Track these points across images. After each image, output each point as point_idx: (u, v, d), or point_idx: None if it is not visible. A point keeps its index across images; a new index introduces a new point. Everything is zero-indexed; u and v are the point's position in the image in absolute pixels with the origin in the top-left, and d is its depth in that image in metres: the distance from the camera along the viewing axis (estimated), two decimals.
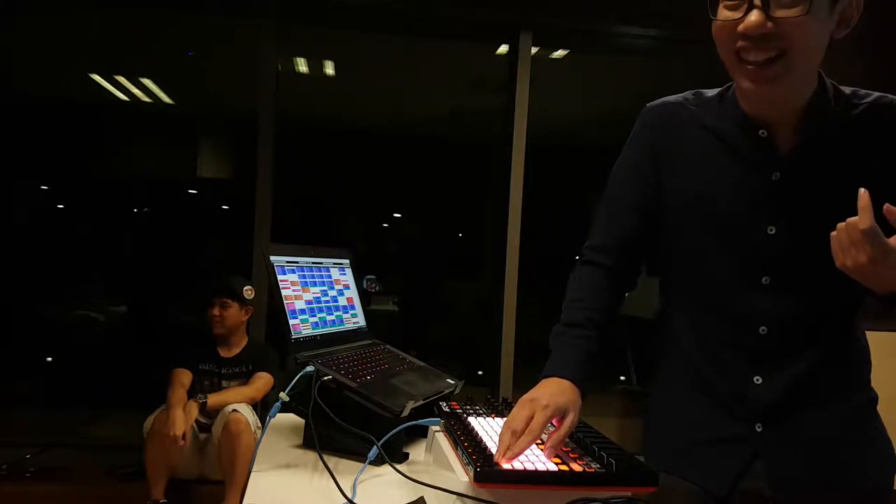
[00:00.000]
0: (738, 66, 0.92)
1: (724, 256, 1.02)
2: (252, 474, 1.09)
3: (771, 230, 0.99)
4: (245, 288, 2.84)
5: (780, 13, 0.86)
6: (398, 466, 1.04)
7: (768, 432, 1.01)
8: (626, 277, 1.14)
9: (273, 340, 3.04)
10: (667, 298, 1.14)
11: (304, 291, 1.33)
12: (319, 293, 1.38)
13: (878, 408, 1.07)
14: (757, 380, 1.02)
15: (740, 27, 0.88)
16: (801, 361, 1.01)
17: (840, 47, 0.95)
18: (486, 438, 0.98)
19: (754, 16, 0.86)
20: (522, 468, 0.87)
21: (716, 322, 1.04)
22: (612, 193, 1.14)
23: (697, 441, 1.06)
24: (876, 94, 1.00)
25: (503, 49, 3.66)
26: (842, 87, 1.00)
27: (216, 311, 2.79)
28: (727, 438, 1.04)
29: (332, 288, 1.44)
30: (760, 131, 0.99)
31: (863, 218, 0.81)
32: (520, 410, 0.94)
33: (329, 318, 1.38)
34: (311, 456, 1.15)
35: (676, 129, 1.06)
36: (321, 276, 1.41)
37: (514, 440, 0.90)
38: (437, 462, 1.04)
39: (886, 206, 0.81)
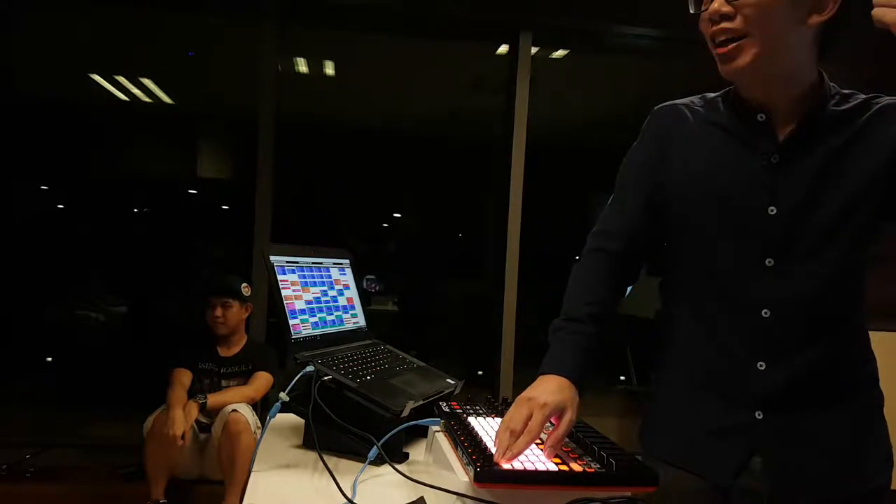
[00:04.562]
0: (713, 50, 1.00)
1: (728, 239, 1.04)
2: (252, 474, 1.09)
3: (772, 210, 1.01)
4: (243, 285, 2.85)
5: None
6: (398, 466, 1.04)
7: (768, 421, 1.02)
8: (631, 265, 1.16)
9: (273, 340, 3.04)
10: (669, 291, 1.15)
11: (304, 291, 1.33)
12: (319, 293, 1.38)
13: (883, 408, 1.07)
14: (760, 366, 1.02)
15: (707, 14, 0.98)
16: (806, 351, 1.01)
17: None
18: (486, 438, 0.98)
19: (716, 2, 0.96)
20: (522, 468, 0.87)
21: (720, 307, 1.06)
22: (621, 183, 1.18)
23: (699, 430, 1.07)
24: (871, 94, 1.04)
25: (503, 49, 3.66)
26: (840, 88, 1.05)
27: (218, 312, 2.79)
28: (728, 427, 1.04)
29: (332, 288, 1.44)
30: (759, 115, 1.03)
31: None
32: (517, 409, 0.94)
33: (329, 318, 1.38)
34: (311, 456, 1.15)
35: (683, 125, 1.11)
36: (321, 276, 1.41)
37: (513, 440, 0.90)
38: (437, 462, 1.04)
39: None
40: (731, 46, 0.96)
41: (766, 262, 1.02)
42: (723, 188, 1.04)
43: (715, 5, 0.96)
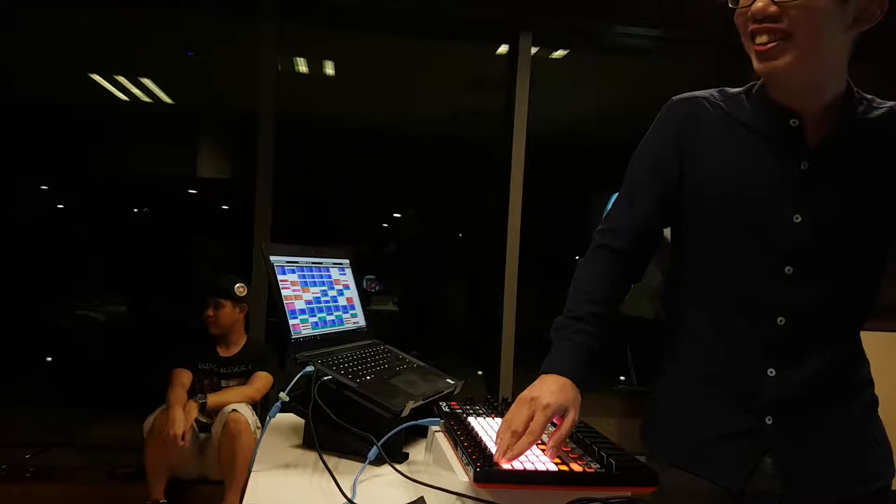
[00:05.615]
0: (750, 48, 0.97)
1: (748, 244, 1.02)
2: (252, 474, 1.09)
3: (797, 218, 0.99)
4: (236, 286, 2.84)
5: None
6: (398, 466, 1.04)
7: (779, 425, 1.01)
8: (636, 265, 1.13)
9: (273, 340, 3.04)
10: (677, 292, 1.13)
11: (304, 291, 1.33)
12: (319, 293, 1.38)
13: (880, 407, 1.08)
14: (771, 372, 1.01)
15: (749, 11, 0.94)
16: (816, 356, 1.01)
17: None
18: (486, 438, 0.98)
19: (761, 1, 0.93)
20: (522, 468, 0.87)
21: (733, 313, 1.04)
22: (631, 179, 1.13)
23: (709, 435, 1.05)
24: (892, 102, 1.03)
25: (503, 49, 3.66)
26: (865, 94, 1.03)
27: (210, 312, 2.79)
28: (738, 431, 1.03)
29: (332, 288, 1.44)
30: (792, 120, 1.00)
31: None
32: (520, 410, 0.94)
33: (329, 318, 1.38)
34: (311, 456, 1.15)
35: (702, 120, 1.07)
36: (321, 276, 1.41)
37: (515, 441, 0.90)
38: (437, 462, 1.04)
39: None
40: (771, 45, 0.93)
41: (786, 269, 1.00)
42: (747, 192, 1.01)
43: (760, 4, 0.93)
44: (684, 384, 1.10)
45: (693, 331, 1.09)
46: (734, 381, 1.04)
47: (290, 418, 1.31)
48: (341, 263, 1.51)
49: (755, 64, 0.97)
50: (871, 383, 1.08)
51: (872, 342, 1.09)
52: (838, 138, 0.99)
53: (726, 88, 1.09)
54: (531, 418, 0.92)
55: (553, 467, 0.88)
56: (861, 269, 1.01)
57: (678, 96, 1.12)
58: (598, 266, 1.11)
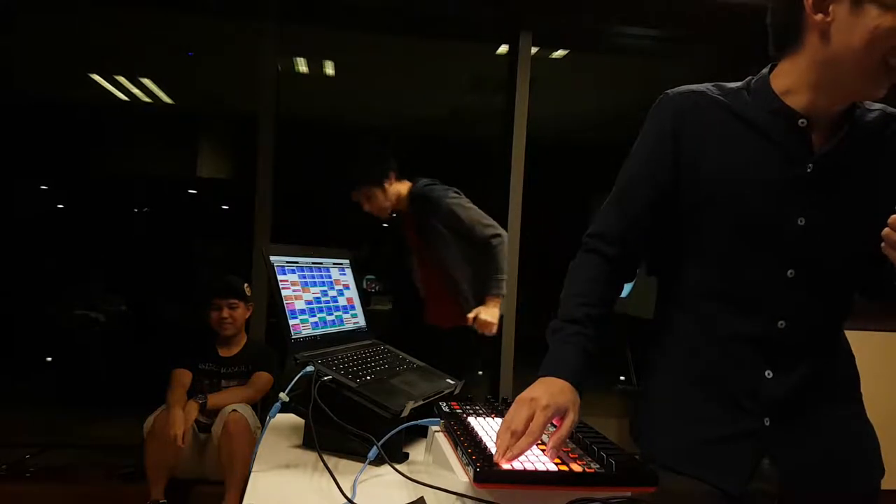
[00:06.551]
0: (884, 72, 0.92)
1: (750, 247, 1.00)
2: (252, 474, 1.09)
3: (801, 221, 0.98)
4: (244, 286, 2.86)
5: None
6: (398, 466, 1.04)
7: (776, 427, 1.01)
8: (626, 268, 1.11)
9: (273, 340, 3.04)
10: (671, 292, 1.11)
11: (304, 291, 1.33)
12: (319, 293, 1.38)
13: (878, 407, 1.08)
14: (768, 374, 1.01)
15: None
16: (812, 357, 1.01)
17: None
18: (485, 438, 0.98)
19: None
20: (522, 468, 0.87)
21: (732, 315, 1.03)
22: (624, 181, 1.10)
23: (708, 439, 1.04)
24: (881, 104, 1.03)
25: (503, 49, 3.66)
26: None
27: (226, 314, 2.78)
28: (737, 434, 1.02)
29: (332, 288, 1.44)
30: (801, 120, 0.98)
31: None
32: (519, 410, 0.93)
33: (329, 318, 1.38)
34: (311, 456, 1.15)
35: (701, 117, 1.03)
36: (321, 277, 1.41)
37: (514, 441, 0.90)
38: (437, 462, 1.04)
39: None
40: None
41: (788, 273, 0.99)
42: (750, 193, 0.99)
43: None
44: (676, 387, 1.09)
45: (684, 333, 1.08)
46: (729, 383, 1.03)
47: (290, 418, 1.31)
48: (341, 263, 1.51)
49: (880, 90, 0.94)
50: (858, 379, 1.08)
51: (872, 342, 1.09)
52: (842, 141, 0.98)
53: (723, 83, 1.06)
54: (531, 419, 0.91)
55: (553, 467, 0.88)
56: (860, 272, 1.01)
57: (673, 90, 1.08)
58: (590, 271, 1.09)
